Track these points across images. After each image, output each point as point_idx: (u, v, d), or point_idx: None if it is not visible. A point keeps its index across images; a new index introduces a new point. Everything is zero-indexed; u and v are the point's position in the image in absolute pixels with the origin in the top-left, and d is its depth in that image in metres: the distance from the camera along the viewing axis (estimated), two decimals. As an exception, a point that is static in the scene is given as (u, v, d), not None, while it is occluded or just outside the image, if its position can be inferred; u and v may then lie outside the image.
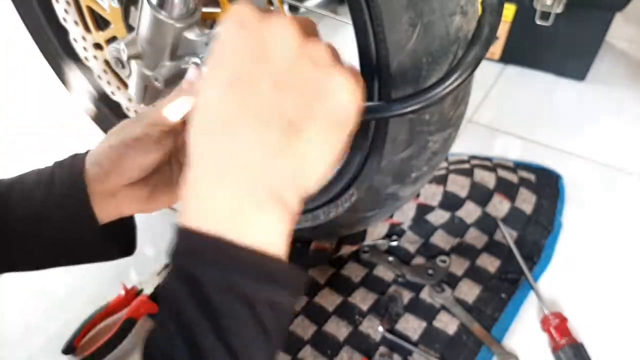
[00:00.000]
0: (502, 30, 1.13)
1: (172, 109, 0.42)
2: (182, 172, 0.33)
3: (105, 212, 0.43)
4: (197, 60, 0.48)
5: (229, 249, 0.26)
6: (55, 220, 0.42)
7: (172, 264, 0.28)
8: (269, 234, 0.27)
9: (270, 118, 0.27)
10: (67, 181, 0.42)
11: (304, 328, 0.70)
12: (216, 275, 0.26)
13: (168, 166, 0.46)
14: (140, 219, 0.94)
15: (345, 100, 0.28)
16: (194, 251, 0.27)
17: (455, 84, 0.37)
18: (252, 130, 0.27)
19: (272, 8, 0.44)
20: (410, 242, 0.79)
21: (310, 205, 0.68)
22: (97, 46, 0.68)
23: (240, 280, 0.26)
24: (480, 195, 0.81)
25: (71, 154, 0.45)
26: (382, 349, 0.66)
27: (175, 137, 0.44)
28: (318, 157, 0.28)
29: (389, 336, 0.67)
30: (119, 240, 0.47)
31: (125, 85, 0.70)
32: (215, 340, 0.26)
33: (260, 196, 0.27)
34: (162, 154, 0.43)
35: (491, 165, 0.87)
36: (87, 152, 0.44)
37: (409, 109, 0.38)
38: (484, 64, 0.39)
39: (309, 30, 0.30)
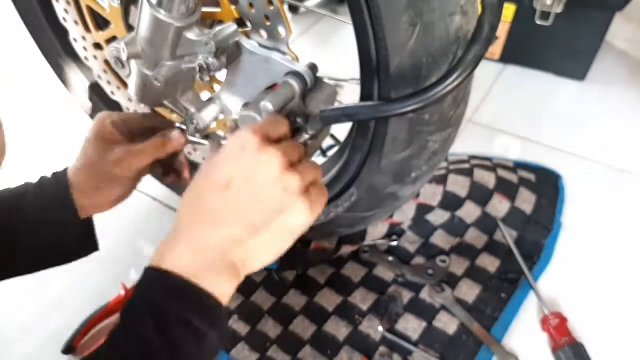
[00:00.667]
0: (502, 30, 1.13)
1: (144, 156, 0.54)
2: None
3: (84, 210, 0.55)
4: (181, 126, 0.56)
5: (192, 291, 0.36)
6: (43, 219, 0.52)
7: (140, 295, 0.37)
8: (222, 290, 0.38)
9: (240, 219, 0.38)
10: (54, 188, 0.53)
11: (304, 328, 0.70)
12: (179, 309, 0.36)
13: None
14: (140, 219, 0.94)
15: (300, 221, 0.39)
16: (165, 287, 0.36)
17: (456, 83, 0.37)
18: (224, 222, 0.38)
19: (271, 8, 0.44)
20: (410, 242, 0.79)
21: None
22: (97, 46, 0.68)
23: (196, 319, 0.36)
24: (480, 195, 0.81)
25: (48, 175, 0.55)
26: (382, 349, 0.66)
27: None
28: (266, 253, 0.40)
29: (389, 336, 0.67)
30: (91, 236, 0.59)
31: (125, 85, 0.70)
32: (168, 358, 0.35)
33: (221, 266, 0.38)
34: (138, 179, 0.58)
35: (491, 165, 0.87)
36: (66, 170, 0.55)
37: (410, 108, 0.38)
38: (484, 64, 0.39)
39: (296, 156, 0.41)
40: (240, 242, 0.38)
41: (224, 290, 0.37)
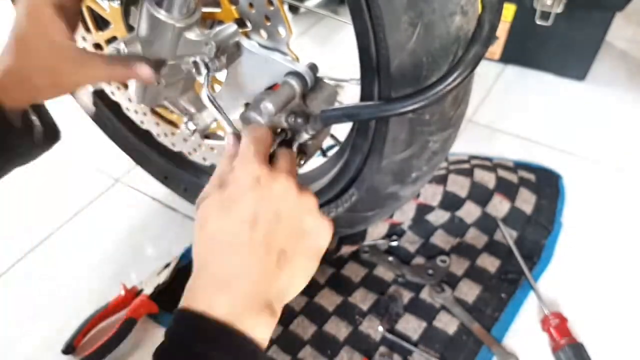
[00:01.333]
0: (502, 30, 1.13)
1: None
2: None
3: (11, 101, 0.45)
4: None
5: (235, 338, 0.34)
6: None
7: (176, 341, 0.34)
8: (261, 333, 0.35)
9: (272, 252, 0.36)
10: None
11: (304, 328, 0.70)
12: (222, 358, 0.33)
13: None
14: (139, 220, 0.94)
15: (324, 242, 0.39)
16: (204, 333, 0.34)
17: (456, 82, 0.37)
18: (257, 260, 0.36)
19: (271, 8, 0.44)
20: (410, 242, 0.79)
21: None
22: (97, 46, 0.67)
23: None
24: (480, 195, 0.81)
25: None
26: (382, 349, 0.66)
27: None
28: (299, 280, 0.38)
29: (389, 336, 0.67)
30: (41, 124, 0.50)
31: (125, 85, 0.70)
32: None
33: (259, 306, 0.35)
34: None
35: (491, 165, 0.87)
36: None
37: (410, 108, 0.38)
38: (484, 64, 0.39)
39: (295, 169, 0.42)
40: (275, 277, 0.36)
41: (263, 333, 0.35)
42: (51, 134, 0.53)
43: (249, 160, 0.39)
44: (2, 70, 0.44)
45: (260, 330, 0.35)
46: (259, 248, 0.36)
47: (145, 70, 0.46)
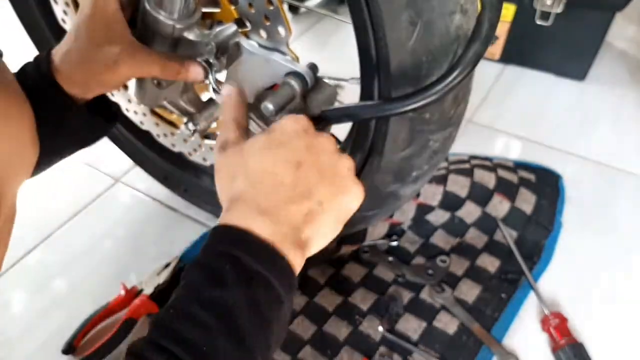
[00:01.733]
0: (502, 30, 1.13)
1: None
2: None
3: (71, 89, 0.48)
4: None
5: (276, 256, 0.35)
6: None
7: (217, 248, 0.35)
8: (294, 262, 0.36)
9: (312, 196, 0.38)
10: (34, 71, 0.47)
11: (304, 328, 0.70)
12: (263, 269, 0.34)
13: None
14: (139, 220, 0.94)
15: (355, 205, 0.40)
16: (249, 245, 0.35)
17: (456, 81, 0.37)
18: (298, 198, 0.37)
19: (271, 8, 0.44)
20: (410, 242, 0.79)
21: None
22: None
23: (277, 284, 0.35)
24: (480, 195, 0.81)
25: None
26: (382, 349, 0.66)
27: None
28: (327, 232, 0.39)
29: (389, 336, 0.67)
30: (101, 111, 0.52)
31: (125, 86, 0.70)
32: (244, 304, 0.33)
33: (295, 239, 0.37)
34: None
35: (491, 165, 0.87)
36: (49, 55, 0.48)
37: (411, 107, 0.38)
38: (484, 64, 0.39)
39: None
40: (311, 218, 0.37)
41: (295, 262, 0.37)
42: (111, 116, 0.54)
43: (295, 116, 0.40)
44: (64, 56, 0.47)
45: (293, 260, 0.36)
46: (300, 189, 0.37)
47: (197, 70, 0.49)
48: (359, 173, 0.57)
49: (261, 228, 0.35)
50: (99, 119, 0.52)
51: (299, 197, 0.37)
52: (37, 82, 0.46)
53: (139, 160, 0.91)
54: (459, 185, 0.81)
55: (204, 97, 0.58)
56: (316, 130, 0.40)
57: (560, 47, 1.09)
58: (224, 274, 0.33)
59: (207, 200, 0.85)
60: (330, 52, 1.28)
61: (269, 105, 0.44)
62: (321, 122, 0.44)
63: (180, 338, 0.31)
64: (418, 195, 0.81)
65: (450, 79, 0.37)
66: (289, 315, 0.37)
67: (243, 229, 0.35)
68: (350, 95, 0.53)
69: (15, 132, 0.41)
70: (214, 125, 0.61)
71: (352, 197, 0.40)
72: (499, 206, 0.81)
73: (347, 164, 0.40)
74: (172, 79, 0.52)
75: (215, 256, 0.35)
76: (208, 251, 0.36)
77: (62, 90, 0.47)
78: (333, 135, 0.44)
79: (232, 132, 0.41)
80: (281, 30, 0.46)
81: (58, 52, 0.47)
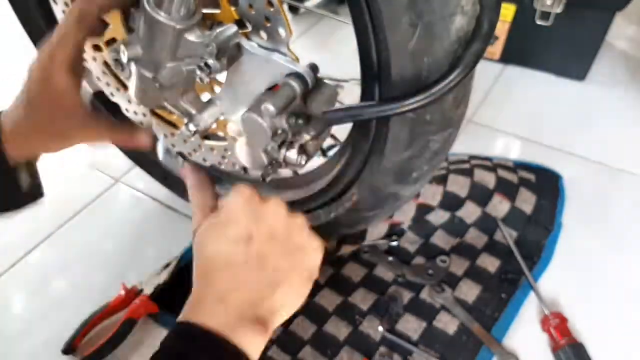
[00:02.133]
0: (502, 30, 1.13)
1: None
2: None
3: (15, 152, 0.48)
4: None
5: (229, 349, 0.35)
6: None
7: (171, 350, 0.36)
8: (252, 346, 0.36)
9: (268, 268, 0.38)
10: None
11: (304, 328, 0.70)
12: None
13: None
14: (139, 220, 0.94)
15: (316, 261, 0.41)
16: (201, 342, 0.35)
17: (457, 80, 0.37)
18: (253, 276, 0.38)
19: (271, 9, 0.44)
20: (410, 242, 0.79)
21: (311, 205, 0.67)
22: (96, 47, 0.67)
23: None
24: (480, 195, 0.81)
25: None
26: (382, 349, 0.66)
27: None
28: (292, 299, 0.40)
29: (389, 336, 0.67)
30: (29, 180, 0.53)
31: (125, 87, 0.70)
32: None
33: (254, 320, 0.37)
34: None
35: (491, 165, 0.87)
36: None
37: (412, 106, 0.38)
38: (484, 64, 0.39)
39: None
40: (269, 292, 0.38)
41: (254, 347, 0.37)
42: (36, 191, 0.55)
43: (239, 188, 0.41)
44: (13, 122, 0.47)
45: (251, 343, 0.36)
46: (254, 263, 0.38)
47: (145, 139, 0.52)
48: (359, 174, 0.57)
49: (215, 317, 0.36)
50: (25, 191, 0.53)
51: (253, 271, 0.38)
52: None
53: (139, 160, 0.91)
54: (459, 185, 0.81)
55: (204, 97, 0.58)
56: (261, 196, 0.41)
57: (560, 47, 1.09)
58: None
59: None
60: (330, 52, 1.28)
61: (269, 106, 0.43)
62: (321, 122, 0.44)
63: None
64: (418, 195, 0.81)
65: (450, 78, 0.37)
66: None
67: (193, 323, 0.36)
68: (350, 96, 0.53)
69: None
70: (214, 126, 0.61)
71: (311, 253, 0.40)
72: (499, 206, 0.81)
73: (298, 222, 0.41)
74: (121, 146, 0.53)
75: (166, 355, 0.35)
76: (163, 348, 0.36)
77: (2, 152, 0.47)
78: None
79: (196, 221, 0.42)
80: (281, 31, 0.46)
81: (9, 115, 0.48)
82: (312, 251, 0.41)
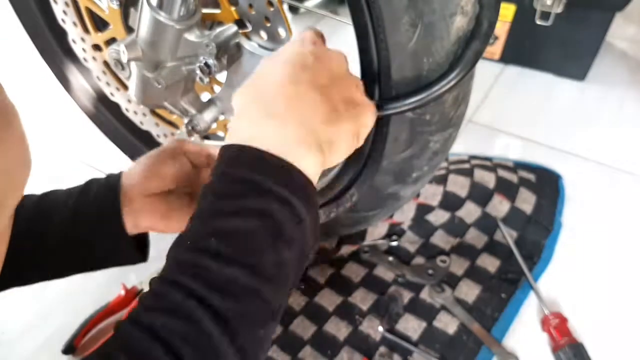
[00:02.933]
0: (502, 30, 1.13)
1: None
2: (193, 205, 0.48)
3: (127, 224, 0.49)
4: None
5: (288, 170, 0.34)
6: (87, 223, 0.47)
7: (227, 171, 0.34)
8: (311, 170, 0.35)
9: (326, 97, 0.36)
10: (102, 190, 0.48)
11: (304, 328, 0.70)
12: (279, 187, 0.33)
13: (184, 194, 0.52)
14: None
15: (370, 122, 0.40)
16: (260, 163, 0.33)
17: (457, 78, 0.37)
18: (312, 96, 0.36)
19: (271, 9, 0.44)
20: (410, 242, 0.79)
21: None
22: (96, 47, 0.68)
23: (295, 201, 0.33)
24: (480, 195, 0.81)
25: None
26: (382, 349, 0.66)
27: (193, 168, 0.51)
28: (346, 142, 0.38)
29: (389, 336, 0.67)
30: (138, 247, 0.52)
31: (125, 86, 0.70)
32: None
33: (311, 141, 0.35)
34: (182, 168, 0.50)
35: (491, 165, 0.87)
36: (121, 172, 0.50)
37: (412, 106, 0.38)
38: (484, 64, 0.39)
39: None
40: (330, 125, 0.36)
41: (313, 169, 0.35)
42: (143, 253, 0.54)
43: (308, 32, 0.40)
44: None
45: (310, 166, 0.35)
46: (317, 92, 0.36)
47: None
48: (359, 174, 0.57)
49: (268, 136, 0.34)
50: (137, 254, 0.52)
51: (316, 99, 0.36)
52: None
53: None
54: (459, 185, 0.81)
55: (204, 97, 0.58)
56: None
57: (560, 47, 1.09)
58: (243, 195, 0.32)
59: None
60: (330, 51, 1.28)
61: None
62: None
63: (199, 274, 0.31)
64: (418, 195, 0.81)
65: (450, 77, 0.37)
66: (313, 237, 0.35)
67: (249, 147, 0.34)
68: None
69: (18, 143, 0.40)
70: (214, 126, 0.61)
71: (366, 112, 0.39)
72: (499, 206, 0.81)
73: (357, 80, 0.40)
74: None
75: (228, 180, 0.33)
76: (217, 176, 0.34)
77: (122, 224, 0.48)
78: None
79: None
80: (281, 31, 0.46)
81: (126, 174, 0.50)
82: (368, 111, 0.39)
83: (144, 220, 0.49)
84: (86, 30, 0.66)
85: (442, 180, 0.82)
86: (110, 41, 0.64)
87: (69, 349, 0.70)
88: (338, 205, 0.64)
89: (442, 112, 0.47)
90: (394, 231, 0.81)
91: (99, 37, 0.65)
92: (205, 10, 0.49)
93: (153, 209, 0.49)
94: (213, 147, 0.52)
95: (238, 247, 0.31)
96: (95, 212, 0.48)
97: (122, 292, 0.74)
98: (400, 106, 0.41)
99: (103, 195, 0.48)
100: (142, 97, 0.54)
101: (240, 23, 0.48)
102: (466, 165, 0.85)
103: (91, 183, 0.49)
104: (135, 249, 0.50)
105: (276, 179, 0.33)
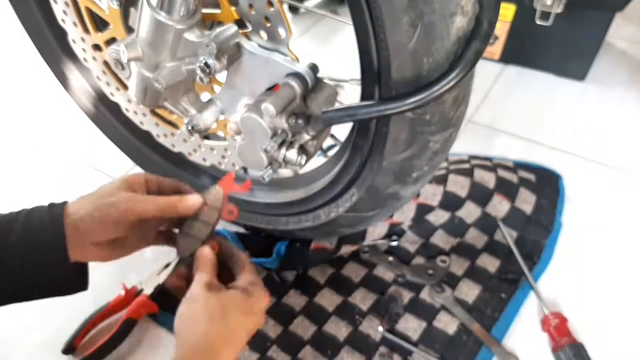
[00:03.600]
0: (502, 30, 1.13)
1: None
2: (138, 240, 0.60)
3: (73, 256, 0.51)
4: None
5: None
6: (29, 255, 0.49)
7: None
8: None
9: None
10: (47, 223, 0.50)
11: (304, 328, 0.70)
12: None
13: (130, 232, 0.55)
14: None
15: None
16: None
17: (457, 78, 0.37)
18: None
19: (271, 9, 0.44)
20: (410, 242, 0.79)
21: (311, 204, 0.68)
22: (96, 47, 0.67)
23: None
24: (480, 195, 0.81)
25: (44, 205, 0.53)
26: (382, 349, 0.66)
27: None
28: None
29: (389, 336, 0.67)
30: (80, 277, 0.55)
31: (125, 86, 0.70)
32: None
33: None
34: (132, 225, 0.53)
35: (491, 165, 0.87)
36: (64, 203, 0.53)
37: (412, 106, 0.38)
38: (484, 64, 0.39)
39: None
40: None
41: None
42: (81, 282, 0.56)
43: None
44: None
45: None
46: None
47: (192, 203, 0.55)
48: (359, 174, 0.57)
49: None
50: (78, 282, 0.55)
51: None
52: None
53: (139, 160, 0.91)
54: (459, 185, 0.81)
55: (204, 97, 0.58)
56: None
57: (560, 47, 1.09)
58: None
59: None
60: (330, 52, 1.28)
61: (269, 107, 0.43)
62: (321, 122, 0.44)
63: None
64: (418, 195, 0.81)
65: (450, 77, 0.37)
66: None
67: None
68: (350, 96, 0.53)
69: None
70: (214, 126, 0.61)
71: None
72: (499, 206, 0.81)
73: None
74: (167, 215, 0.55)
75: None
76: None
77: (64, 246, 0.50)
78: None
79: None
80: (281, 31, 0.46)
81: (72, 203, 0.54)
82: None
83: (90, 257, 0.53)
84: (86, 30, 0.66)
85: (442, 180, 0.82)
86: (110, 41, 0.64)
87: (69, 349, 0.70)
88: (338, 206, 0.64)
89: (442, 112, 0.47)
90: (394, 231, 0.81)
91: (99, 37, 0.65)
92: (205, 10, 0.49)
93: (97, 253, 0.53)
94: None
95: None
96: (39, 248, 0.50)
97: (122, 292, 0.74)
98: (400, 106, 0.41)
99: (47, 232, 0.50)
100: (142, 97, 0.54)
101: (240, 23, 0.48)
102: (466, 165, 0.85)
103: (32, 216, 0.51)
104: (80, 279, 0.54)
105: None
